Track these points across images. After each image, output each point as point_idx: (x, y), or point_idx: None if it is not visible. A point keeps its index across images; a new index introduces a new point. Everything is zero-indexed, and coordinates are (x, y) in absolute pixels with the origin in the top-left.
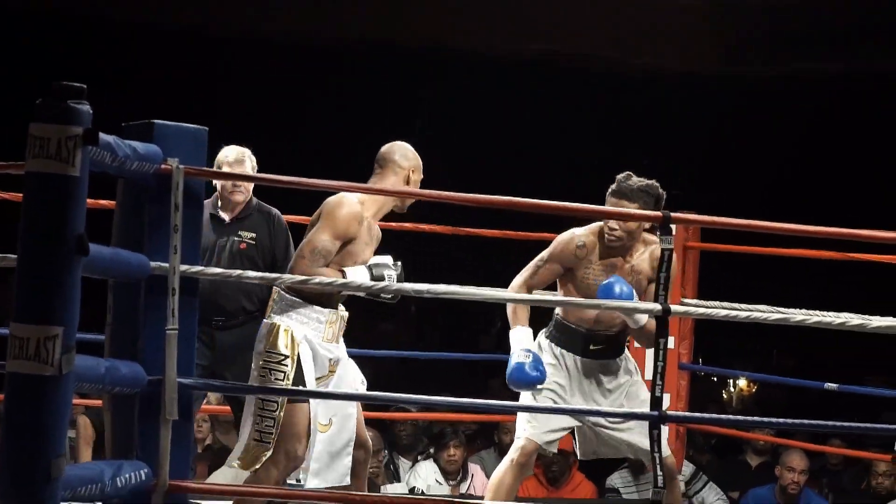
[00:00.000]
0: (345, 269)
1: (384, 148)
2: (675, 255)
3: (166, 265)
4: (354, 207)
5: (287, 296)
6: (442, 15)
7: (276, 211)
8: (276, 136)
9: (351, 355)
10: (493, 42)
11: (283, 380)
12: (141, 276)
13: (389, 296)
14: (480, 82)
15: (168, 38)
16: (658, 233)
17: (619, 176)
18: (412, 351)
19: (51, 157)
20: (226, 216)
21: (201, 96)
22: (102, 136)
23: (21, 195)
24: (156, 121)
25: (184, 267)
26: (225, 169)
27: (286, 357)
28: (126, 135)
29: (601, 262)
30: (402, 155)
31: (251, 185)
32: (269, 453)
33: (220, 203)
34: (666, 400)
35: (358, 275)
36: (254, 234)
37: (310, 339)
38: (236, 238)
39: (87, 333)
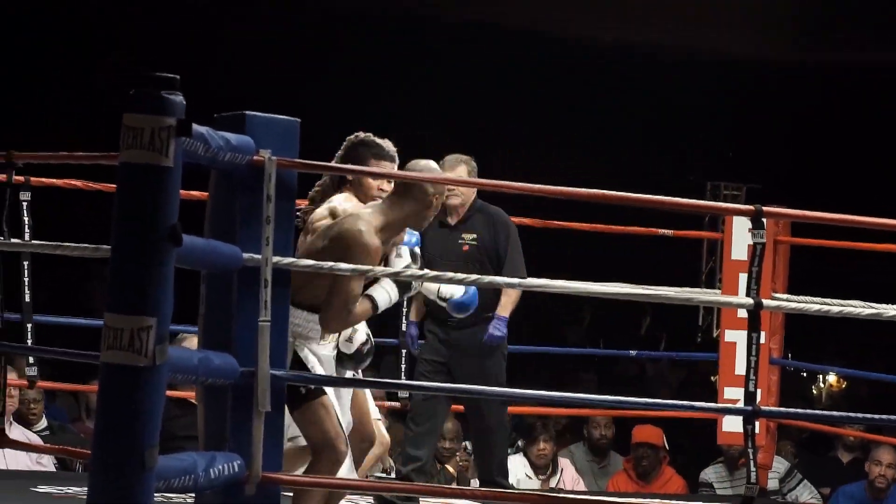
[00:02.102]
0: (371, 294)
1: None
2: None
3: (259, 256)
4: (375, 241)
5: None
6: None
7: (496, 209)
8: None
9: None
10: (567, 28)
11: None
12: (233, 267)
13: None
14: (559, 68)
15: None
16: (750, 227)
17: None
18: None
19: (144, 147)
20: (452, 220)
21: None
22: (195, 126)
23: (114, 186)
24: (248, 112)
25: (276, 258)
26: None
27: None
28: (218, 126)
29: None
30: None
31: (469, 189)
32: None
33: (447, 210)
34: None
35: (386, 291)
36: (474, 236)
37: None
38: (460, 241)
39: (180, 325)
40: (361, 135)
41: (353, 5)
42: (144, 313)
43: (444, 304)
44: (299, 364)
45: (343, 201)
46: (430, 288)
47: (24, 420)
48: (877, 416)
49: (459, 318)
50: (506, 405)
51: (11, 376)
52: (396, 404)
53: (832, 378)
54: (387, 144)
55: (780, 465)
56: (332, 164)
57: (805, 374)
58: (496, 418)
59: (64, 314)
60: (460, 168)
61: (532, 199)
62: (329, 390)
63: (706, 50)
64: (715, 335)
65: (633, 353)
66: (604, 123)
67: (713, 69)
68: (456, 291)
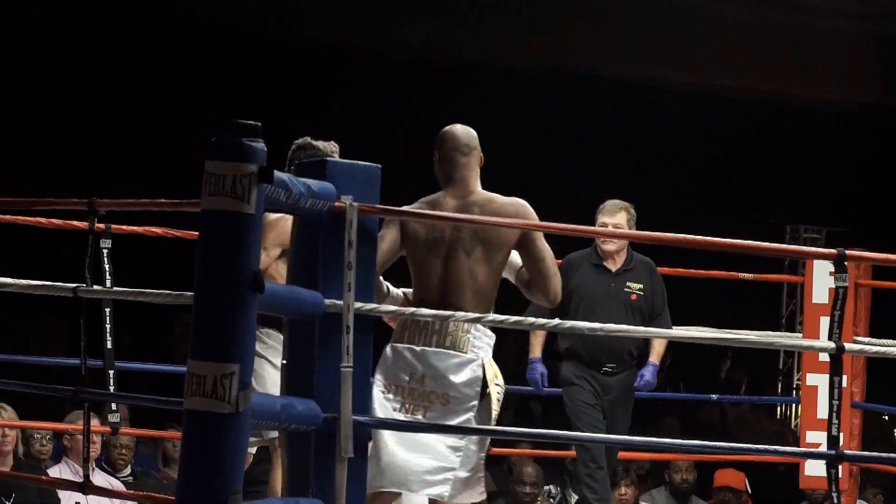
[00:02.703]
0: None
1: (465, 134)
2: None
3: (340, 302)
4: None
5: (486, 330)
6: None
7: (650, 260)
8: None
9: (516, 392)
10: (639, 72)
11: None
12: (315, 313)
13: None
14: (631, 112)
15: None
16: (833, 270)
17: None
18: None
19: (226, 194)
20: (611, 267)
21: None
22: (277, 173)
23: (194, 232)
24: (329, 158)
25: (358, 304)
26: (599, 219)
27: (501, 393)
28: (300, 172)
29: None
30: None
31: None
32: None
33: (600, 253)
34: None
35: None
36: (641, 286)
37: None
38: (626, 289)
39: None
40: (300, 140)
41: (433, 56)
42: (227, 360)
43: None
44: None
45: None
46: None
47: (113, 465)
48: None
49: None
50: None
51: (94, 422)
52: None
53: None
54: (326, 146)
55: None
56: (413, 209)
57: (887, 418)
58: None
59: (144, 360)
60: (620, 214)
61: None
62: None
63: (788, 94)
64: (796, 379)
65: (714, 397)
66: (682, 168)
67: (795, 113)
68: None
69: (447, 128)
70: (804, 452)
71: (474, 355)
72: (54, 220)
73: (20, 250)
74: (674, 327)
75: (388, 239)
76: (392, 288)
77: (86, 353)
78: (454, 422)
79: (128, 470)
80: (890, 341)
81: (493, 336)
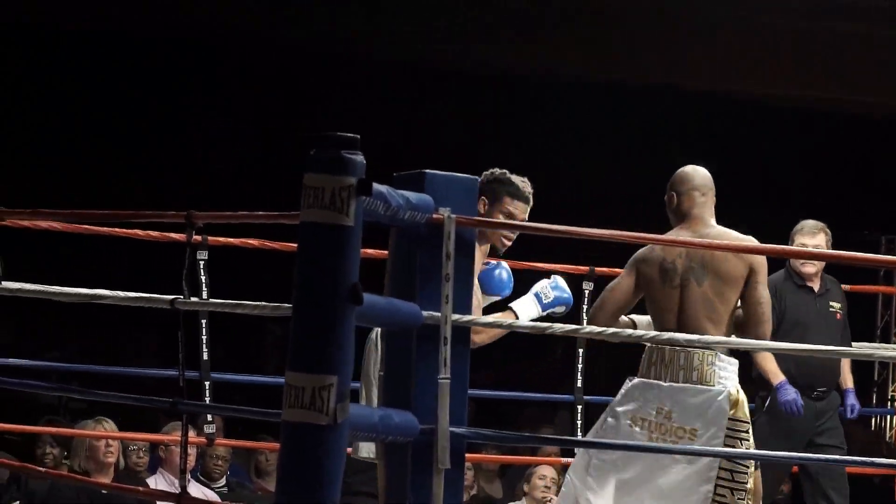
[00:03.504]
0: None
1: (704, 174)
2: None
3: (438, 314)
4: None
5: (729, 358)
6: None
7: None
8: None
9: (536, 400)
10: (694, 79)
11: (750, 448)
12: (413, 325)
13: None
14: (695, 121)
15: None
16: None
17: None
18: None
19: (325, 207)
20: (815, 287)
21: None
22: (376, 186)
23: (294, 245)
24: (427, 170)
25: (456, 316)
26: (797, 240)
27: (749, 424)
28: (398, 184)
29: None
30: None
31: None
32: None
33: (800, 274)
34: None
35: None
36: (840, 304)
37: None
38: (831, 309)
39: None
40: (497, 171)
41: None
42: (326, 372)
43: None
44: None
45: None
46: (531, 311)
47: (208, 476)
48: None
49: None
50: None
51: (190, 434)
52: (571, 460)
53: None
54: (523, 184)
55: None
56: (513, 221)
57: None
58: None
59: (236, 372)
60: (819, 236)
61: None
62: None
63: (881, 105)
64: (891, 390)
65: None
66: (776, 179)
67: (889, 124)
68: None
69: (686, 168)
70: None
71: (722, 386)
72: (152, 233)
73: (118, 263)
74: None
75: (622, 287)
76: (638, 317)
77: (184, 365)
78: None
79: (223, 481)
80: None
81: (737, 362)
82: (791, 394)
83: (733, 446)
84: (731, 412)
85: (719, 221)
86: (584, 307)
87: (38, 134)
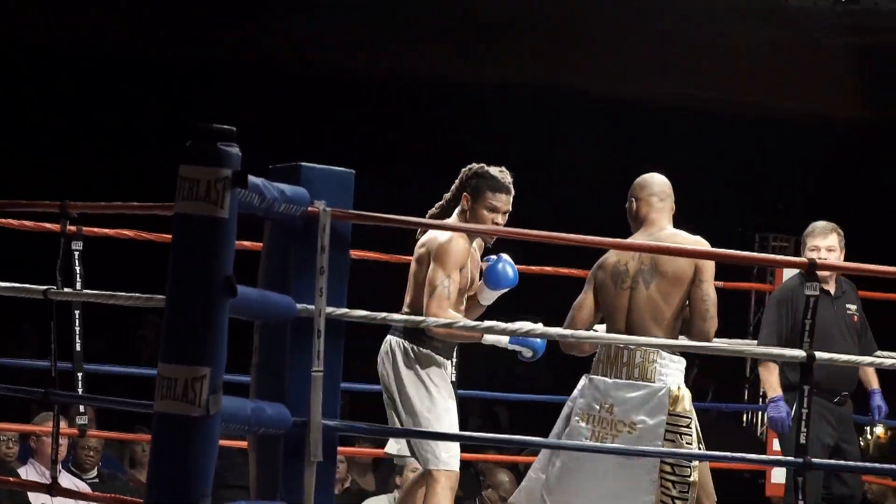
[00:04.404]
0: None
1: (663, 181)
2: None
3: (312, 307)
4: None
5: (673, 356)
6: (578, 59)
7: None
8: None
9: (487, 398)
10: (624, 85)
11: (692, 443)
12: (287, 317)
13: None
14: (612, 126)
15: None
16: (805, 280)
17: None
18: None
19: (200, 199)
20: (831, 290)
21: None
22: (251, 178)
23: (170, 236)
24: (303, 163)
25: (329, 309)
26: (809, 242)
27: (691, 420)
28: (273, 177)
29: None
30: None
31: (838, 258)
32: None
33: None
34: None
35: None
36: (856, 306)
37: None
38: (848, 311)
39: (232, 374)
40: (475, 166)
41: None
42: (198, 363)
43: (518, 349)
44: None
45: None
46: (500, 338)
47: (80, 467)
48: None
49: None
50: None
51: (62, 424)
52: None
53: (880, 430)
54: (502, 175)
55: None
56: (388, 216)
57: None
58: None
59: (115, 363)
60: (831, 236)
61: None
62: None
63: (761, 106)
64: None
65: None
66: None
67: (765, 123)
68: (537, 346)
69: (645, 175)
70: (771, 460)
71: (662, 383)
72: (26, 223)
73: None
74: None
75: (587, 303)
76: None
77: (56, 356)
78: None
79: (94, 472)
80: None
81: (683, 360)
82: (781, 412)
83: (674, 441)
84: (672, 408)
85: (608, 218)
86: None
87: None
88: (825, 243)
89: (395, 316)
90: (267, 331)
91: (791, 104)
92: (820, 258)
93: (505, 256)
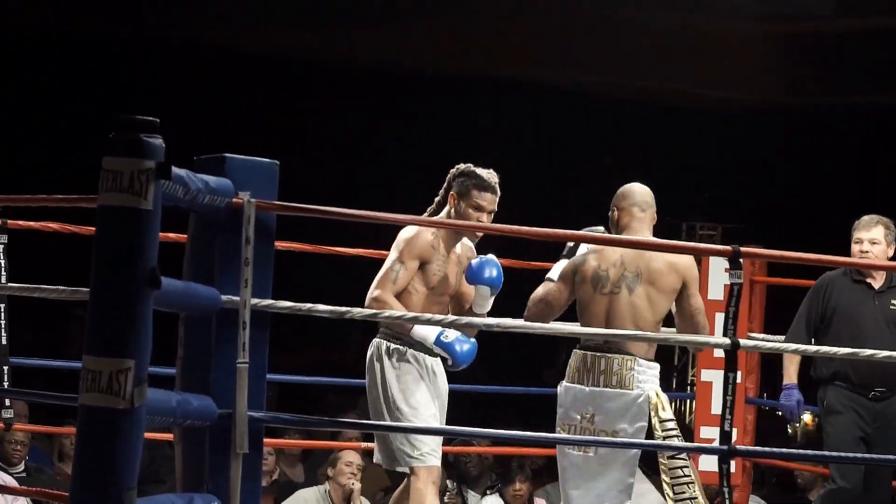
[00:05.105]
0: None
1: (645, 192)
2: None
3: (237, 299)
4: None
5: (649, 363)
6: (506, 46)
7: None
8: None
9: (339, 386)
10: (550, 73)
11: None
12: (212, 309)
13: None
14: (537, 112)
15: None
16: (728, 267)
17: None
18: (478, 385)
19: (123, 190)
20: (874, 284)
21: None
22: (175, 169)
23: (93, 229)
24: (227, 154)
25: (254, 300)
26: (854, 235)
27: (674, 421)
28: (197, 168)
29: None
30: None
31: (886, 250)
32: None
33: (861, 270)
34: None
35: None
36: None
37: None
38: (892, 307)
39: (158, 367)
40: (462, 166)
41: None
42: (123, 356)
43: (440, 353)
44: None
45: None
46: (427, 335)
47: (7, 461)
48: (849, 455)
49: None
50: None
51: None
52: (373, 445)
53: (807, 417)
54: (489, 175)
55: None
56: (312, 206)
57: (781, 414)
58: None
59: (42, 356)
60: (876, 229)
61: (508, 239)
62: None
63: (684, 94)
64: (691, 375)
65: None
66: (577, 164)
67: (690, 111)
68: (463, 344)
69: (628, 185)
70: (697, 447)
71: (640, 390)
72: None
73: None
74: (572, 324)
75: (563, 296)
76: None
77: None
78: (625, 457)
79: (21, 466)
80: (783, 338)
81: (657, 366)
82: (792, 400)
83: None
84: (655, 414)
85: (530, 207)
86: None
87: None
88: (868, 236)
89: (320, 307)
90: (192, 323)
91: (714, 92)
92: (863, 251)
93: (492, 257)
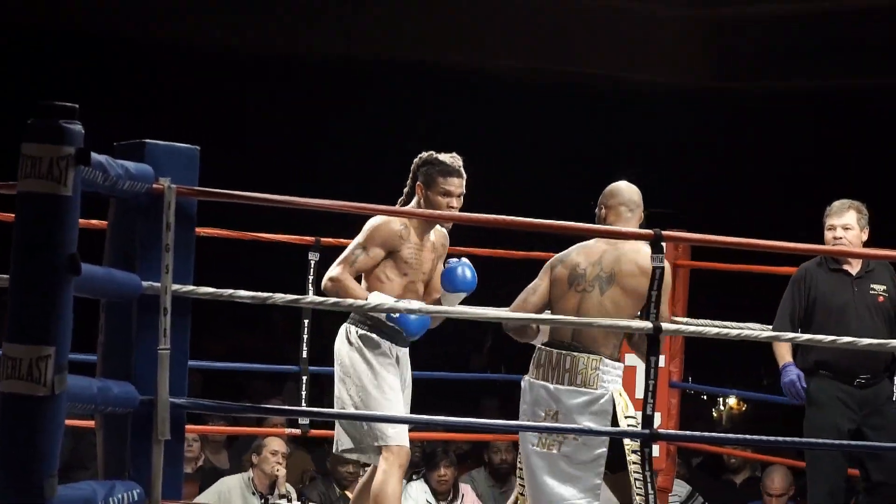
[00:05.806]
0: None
1: (634, 192)
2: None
3: (158, 284)
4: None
5: (614, 363)
6: (434, 32)
7: (888, 263)
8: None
9: (263, 372)
10: (481, 59)
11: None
12: (133, 295)
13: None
14: (470, 99)
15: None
16: (650, 251)
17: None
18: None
19: (43, 176)
20: (851, 270)
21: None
22: (94, 155)
23: (13, 215)
24: (147, 140)
25: (175, 286)
26: (826, 222)
27: (635, 418)
28: (117, 154)
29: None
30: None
31: (858, 236)
32: None
33: (836, 258)
34: (657, 418)
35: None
36: (885, 287)
37: None
38: (871, 292)
39: (79, 353)
40: (425, 155)
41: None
42: (43, 343)
43: (392, 325)
44: None
45: None
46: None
47: None
48: (772, 438)
49: (409, 340)
50: None
51: None
52: (297, 431)
53: (732, 401)
54: (452, 159)
55: (681, 488)
56: (233, 192)
57: (706, 397)
58: None
59: None
60: (848, 214)
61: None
62: None
63: (611, 77)
64: None
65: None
66: (503, 147)
67: (613, 93)
68: (410, 327)
69: (617, 184)
70: (619, 431)
71: (604, 390)
72: None
73: None
74: (499, 309)
75: (539, 294)
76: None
77: None
78: (589, 456)
79: None
80: (707, 322)
81: (622, 366)
82: (791, 375)
83: (631, 444)
84: (620, 413)
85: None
86: (310, 277)
87: None
88: (840, 221)
89: (242, 292)
90: (113, 309)
91: (640, 75)
92: (836, 237)
93: (464, 260)
